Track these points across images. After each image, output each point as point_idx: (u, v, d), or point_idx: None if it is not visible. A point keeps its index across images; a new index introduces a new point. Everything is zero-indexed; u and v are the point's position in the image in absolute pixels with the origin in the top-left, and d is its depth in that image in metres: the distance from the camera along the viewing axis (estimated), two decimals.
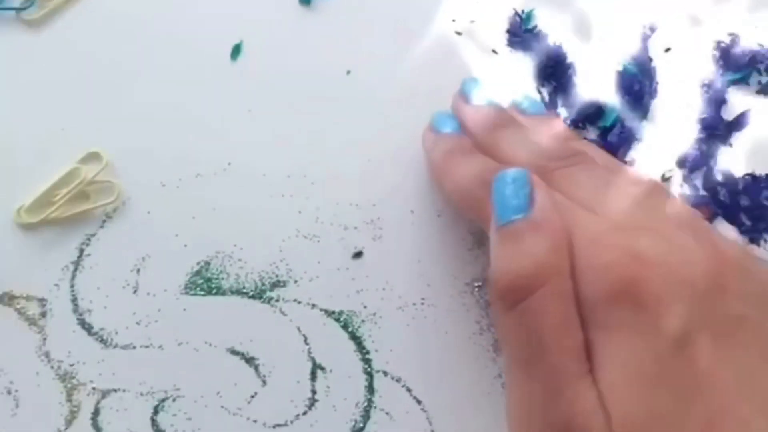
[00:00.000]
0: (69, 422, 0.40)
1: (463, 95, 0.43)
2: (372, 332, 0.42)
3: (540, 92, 0.45)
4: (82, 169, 0.41)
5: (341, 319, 0.42)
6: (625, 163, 0.43)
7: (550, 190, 0.36)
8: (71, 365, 0.40)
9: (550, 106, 0.44)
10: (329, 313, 0.42)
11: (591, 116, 0.44)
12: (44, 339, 0.40)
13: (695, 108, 0.44)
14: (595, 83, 0.45)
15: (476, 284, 0.43)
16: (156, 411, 0.41)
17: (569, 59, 0.45)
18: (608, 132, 0.44)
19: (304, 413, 0.41)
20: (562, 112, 0.44)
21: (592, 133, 0.44)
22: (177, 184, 0.43)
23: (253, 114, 0.44)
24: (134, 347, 0.41)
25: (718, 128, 0.44)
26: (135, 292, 0.41)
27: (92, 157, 0.42)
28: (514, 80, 0.44)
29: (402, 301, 0.43)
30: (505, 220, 0.35)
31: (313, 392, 0.41)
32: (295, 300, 0.42)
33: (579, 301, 0.33)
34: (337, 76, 0.44)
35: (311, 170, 0.43)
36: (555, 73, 0.45)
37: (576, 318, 0.33)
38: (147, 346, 0.41)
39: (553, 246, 0.33)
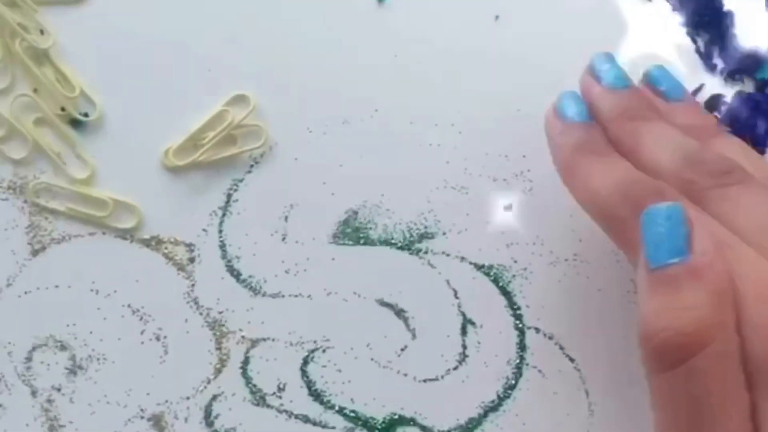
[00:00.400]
0: (218, 371, 0.39)
1: (594, 73, 0.38)
2: (523, 288, 0.41)
3: (695, 42, 0.43)
4: (229, 111, 0.40)
5: (491, 274, 0.41)
6: None
7: (709, 224, 0.31)
8: (220, 312, 0.39)
9: (705, 57, 0.43)
10: (479, 267, 0.41)
11: (749, 67, 0.43)
12: (193, 285, 0.39)
13: None
14: (755, 32, 0.43)
15: None
16: (305, 362, 0.40)
17: (726, 7, 0.43)
18: (767, 85, 0.43)
19: (455, 368, 0.40)
20: (718, 63, 0.42)
21: (749, 86, 0.42)
22: (324, 130, 0.41)
23: (399, 59, 0.42)
24: (283, 296, 0.40)
25: None
26: (283, 239, 0.40)
27: (239, 100, 0.40)
28: (668, 30, 0.43)
29: (553, 257, 0.41)
30: (659, 264, 0.29)
31: (464, 347, 0.40)
32: (443, 252, 0.41)
33: (743, 358, 0.29)
34: (485, 21, 0.43)
35: (459, 119, 0.42)
36: (711, 22, 0.43)
37: (742, 380, 0.29)
38: (296, 295, 0.40)
39: (717, 298, 0.29)
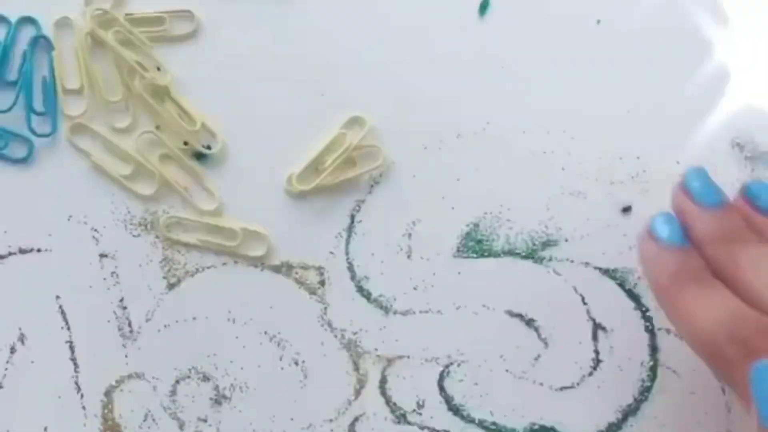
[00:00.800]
0: (358, 392, 0.39)
1: (688, 191, 0.36)
2: (649, 289, 0.41)
3: None
4: (346, 134, 0.40)
5: (617, 277, 0.41)
6: None
7: None
8: (354, 333, 0.40)
9: None
10: (604, 271, 0.41)
11: None
12: (325, 308, 0.40)
13: None
14: None
15: None
16: (442, 377, 0.40)
17: None
18: None
19: (590, 374, 0.40)
20: None
21: None
22: (438, 146, 0.41)
23: (505, 70, 0.42)
24: (414, 312, 0.40)
25: None
26: (409, 256, 0.40)
27: (354, 122, 0.41)
28: None
29: None
30: None
31: (596, 353, 0.40)
32: (567, 259, 0.41)
33: None
34: (587, 25, 0.43)
35: (570, 125, 0.42)
36: None
37: None
38: (426, 312, 0.40)
39: None
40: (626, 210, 0.42)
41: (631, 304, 0.41)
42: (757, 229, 0.35)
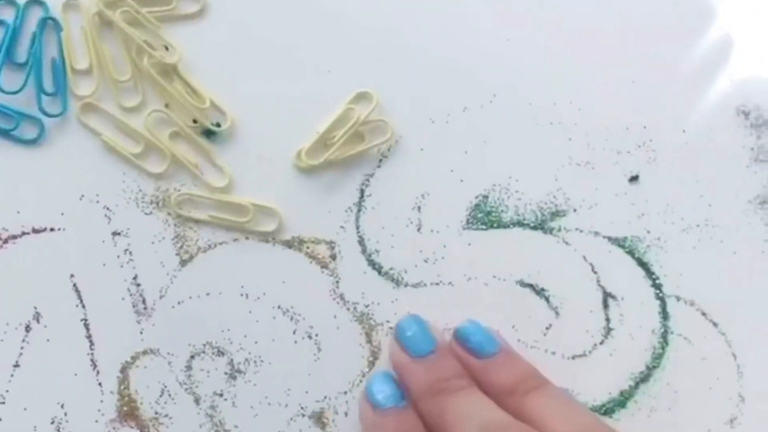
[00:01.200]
0: (371, 363, 0.39)
1: (401, 342, 0.37)
2: (659, 257, 0.41)
3: None
4: (354, 109, 0.41)
5: (626, 246, 0.41)
6: None
7: None
8: (366, 306, 0.40)
9: None
10: (613, 240, 0.41)
11: None
12: (337, 281, 0.40)
13: None
14: None
15: (759, 201, 0.42)
16: None
17: None
18: None
19: (601, 342, 0.40)
20: None
21: None
22: (446, 119, 0.42)
23: (511, 43, 0.42)
24: (425, 285, 0.40)
25: None
26: (419, 229, 0.41)
27: (361, 97, 0.41)
28: None
29: (685, 223, 0.42)
30: None
31: (607, 321, 0.40)
32: (576, 229, 0.41)
33: None
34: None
35: (577, 96, 0.42)
36: None
37: None
38: (437, 284, 0.40)
39: None
40: (634, 179, 0.42)
41: (641, 272, 0.41)
42: (472, 372, 0.36)
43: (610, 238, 0.41)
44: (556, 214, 0.41)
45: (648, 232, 0.41)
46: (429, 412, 0.35)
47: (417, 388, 0.35)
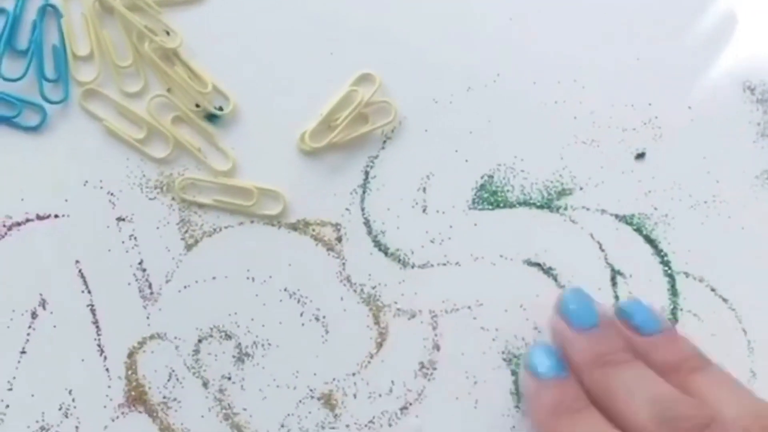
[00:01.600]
0: (379, 345, 0.39)
1: (564, 315, 0.37)
2: (666, 234, 0.41)
3: None
4: (357, 91, 0.40)
5: (634, 223, 0.41)
6: None
7: None
8: (373, 287, 0.40)
9: None
10: (620, 218, 0.41)
11: None
12: (343, 263, 0.40)
13: None
14: None
15: (766, 177, 0.41)
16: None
17: None
18: None
19: None
20: None
21: None
22: (449, 99, 0.41)
23: (514, 21, 0.42)
24: (432, 265, 0.40)
25: None
26: (424, 210, 0.40)
27: (364, 78, 0.41)
28: None
29: (693, 200, 0.41)
30: None
31: (616, 298, 0.40)
32: (583, 207, 0.41)
33: None
34: None
35: (581, 74, 0.42)
36: None
37: None
38: (444, 264, 0.40)
39: None
40: (640, 156, 0.42)
41: (649, 249, 0.41)
42: (635, 349, 0.36)
43: (617, 216, 0.41)
44: (563, 192, 0.41)
45: (655, 209, 0.41)
46: (595, 384, 0.35)
47: (582, 360, 0.35)
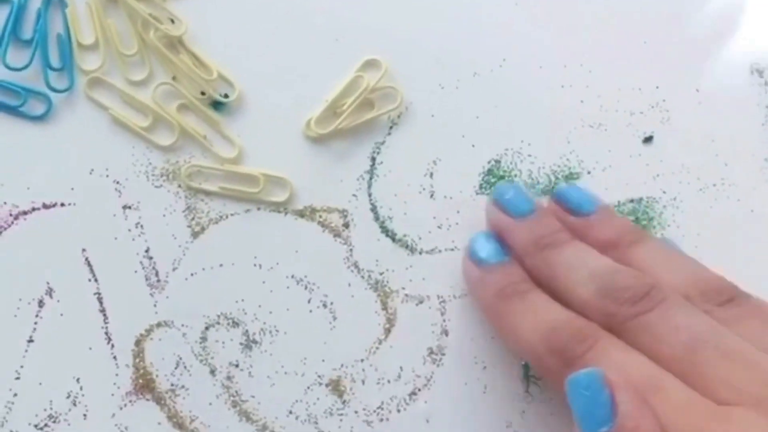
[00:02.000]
0: (387, 331, 0.39)
1: (500, 204, 0.37)
2: (675, 217, 0.41)
3: None
4: (363, 77, 0.40)
5: (642, 207, 0.41)
6: None
7: (633, 367, 0.30)
8: (381, 273, 0.39)
9: None
10: (629, 202, 0.41)
11: None
12: (351, 250, 0.39)
13: None
14: None
15: None
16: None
17: None
18: None
19: None
20: None
21: None
22: (455, 84, 0.41)
23: (519, 6, 0.42)
24: (439, 251, 0.40)
25: None
26: (432, 196, 0.40)
27: (370, 64, 0.41)
28: None
29: (701, 183, 0.41)
30: None
31: None
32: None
33: None
34: None
35: (587, 57, 0.42)
36: None
37: None
38: (452, 249, 0.40)
39: None
40: (648, 140, 0.41)
41: (659, 233, 0.41)
42: (573, 231, 0.36)
43: (626, 200, 0.41)
44: (570, 176, 0.41)
45: (664, 192, 0.41)
46: (537, 266, 0.35)
47: (522, 245, 0.36)
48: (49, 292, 0.38)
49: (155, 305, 0.38)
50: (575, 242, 0.35)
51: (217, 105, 0.40)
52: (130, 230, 0.39)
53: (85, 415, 0.37)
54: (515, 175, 0.41)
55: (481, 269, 0.36)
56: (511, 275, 0.35)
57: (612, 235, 0.36)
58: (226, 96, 0.40)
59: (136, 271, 0.38)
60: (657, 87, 0.42)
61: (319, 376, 0.38)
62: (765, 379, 0.29)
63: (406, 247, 0.40)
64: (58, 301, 0.38)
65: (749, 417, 0.28)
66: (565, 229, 0.36)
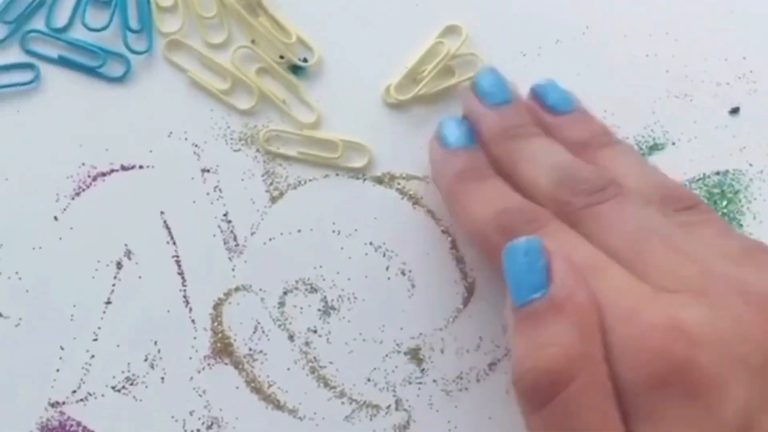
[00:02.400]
0: (466, 300, 0.38)
1: (476, 91, 0.36)
2: (762, 190, 0.40)
3: None
4: (444, 43, 0.39)
5: (727, 179, 0.40)
6: None
7: (577, 248, 0.30)
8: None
9: None
10: (715, 174, 0.40)
11: None
12: (430, 218, 0.39)
13: None
14: None
15: None
16: None
17: None
18: None
19: None
20: None
21: None
22: (537, 52, 0.40)
23: None
24: None
25: None
26: None
27: (451, 30, 0.40)
28: None
29: None
30: (522, 301, 0.29)
31: None
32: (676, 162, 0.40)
33: (617, 388, 0.27)
34: None
35: (673, 27, 0.41)
36: None
37: (615, 411, 0.27)
38: None
39: (581, 329, 0.28)
40: (734, 111, 0.40)
41: (746, 206, 0.39)
42: (547, 128, 0.35)
43: (711, 172, 0.40)
44: (655, 147, 0.40)
45: (750, 165, 0.40)
46: (500, 156, 0.35)
47: (490, 132, 0.35)
48: (128, 254, 0.38)
49: (233, 269, 0.38)
50: (544, 137, 0.35)
51: (296, 69, 0.39)
52: (208, 194, 0.38)
53: (162, 378, 0.37)
54: None
55: (446, 151, 0.36)
56: (475, 161, 0.35)
57: (583, 135, 0.36)
58: (305, 60, 0.39)
59: (214, 235, 0.38)
60: (744, 58, 0.41)
61: (397, 344, 0.38)
62: (708, 274, 0.28)
63: None
64: (137, 263, 0.38)
65: (689, 302, 0.27)
66: (537, 125, 0.36)
